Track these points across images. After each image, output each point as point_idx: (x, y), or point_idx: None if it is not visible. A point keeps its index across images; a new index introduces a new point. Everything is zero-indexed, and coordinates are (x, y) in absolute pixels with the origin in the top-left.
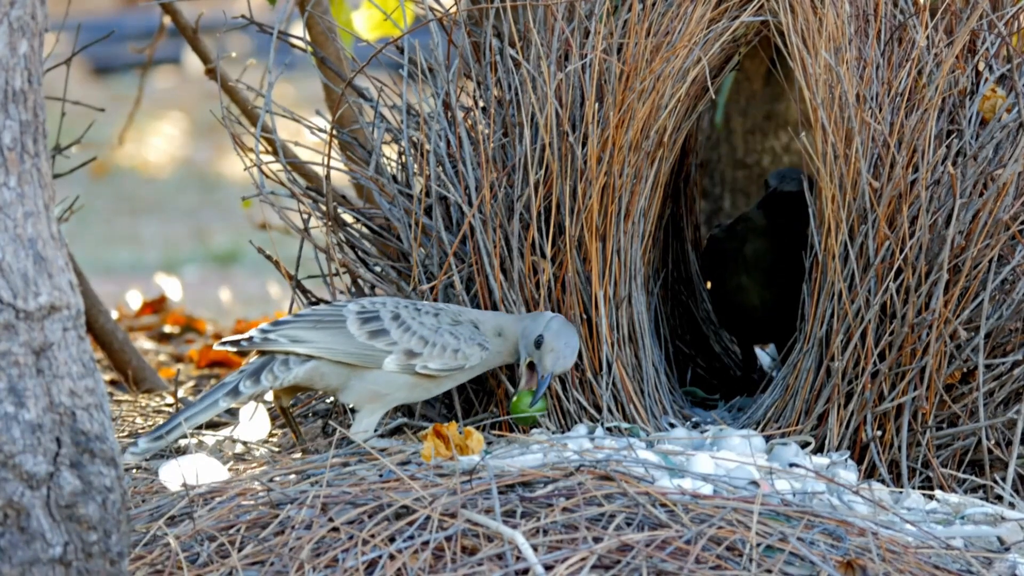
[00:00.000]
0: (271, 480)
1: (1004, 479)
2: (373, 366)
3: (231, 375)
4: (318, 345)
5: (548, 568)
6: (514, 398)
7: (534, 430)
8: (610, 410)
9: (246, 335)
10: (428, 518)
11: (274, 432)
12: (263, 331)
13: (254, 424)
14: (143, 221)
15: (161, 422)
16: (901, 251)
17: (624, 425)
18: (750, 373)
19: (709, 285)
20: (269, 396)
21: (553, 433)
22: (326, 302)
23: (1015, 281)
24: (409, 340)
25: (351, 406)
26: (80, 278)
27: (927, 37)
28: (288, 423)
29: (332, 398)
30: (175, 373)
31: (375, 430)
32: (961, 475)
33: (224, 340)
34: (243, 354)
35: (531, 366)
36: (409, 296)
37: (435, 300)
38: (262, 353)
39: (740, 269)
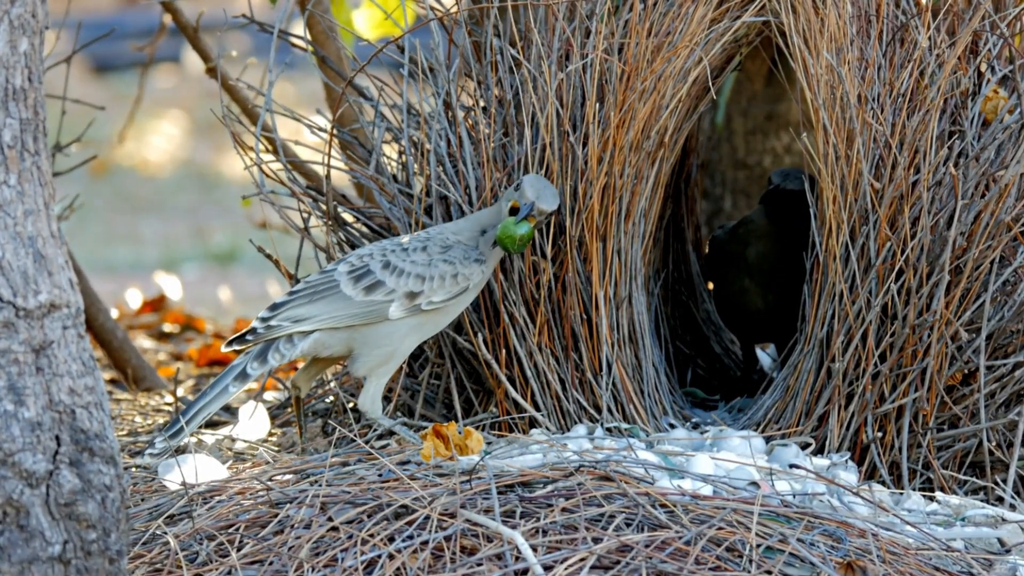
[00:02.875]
0: (271, 479)
1: (1005, 481)
2: (379, 319)
3: (238, 358)
4: (321, 317)
5: (547, 568)
6: (499, 227)
7: (533, 430)
8: (610, 410)
9: (248, 329)
10: (427, 518)
11: (273, 431)
12: (264, 320)
13: (254, 423)
14: (143, 219)
15: (166, 421)
16: (902, 252)
17: (624, 426)
18: (750, 373)
19: (711, 286)
20: (269, 396)
21: (553, 433)
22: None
23: (1016, 283)
24: (407, 282)
25: (363, 375)
26: (79, 276)
27: (929, 38)
28: (297, 416)
29: (331, 398)
30: (174, 372)
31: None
32: (962, 477)
33: (230, 340)
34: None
35: (512, 211)
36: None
37: None
38: None
39: (742, 272)
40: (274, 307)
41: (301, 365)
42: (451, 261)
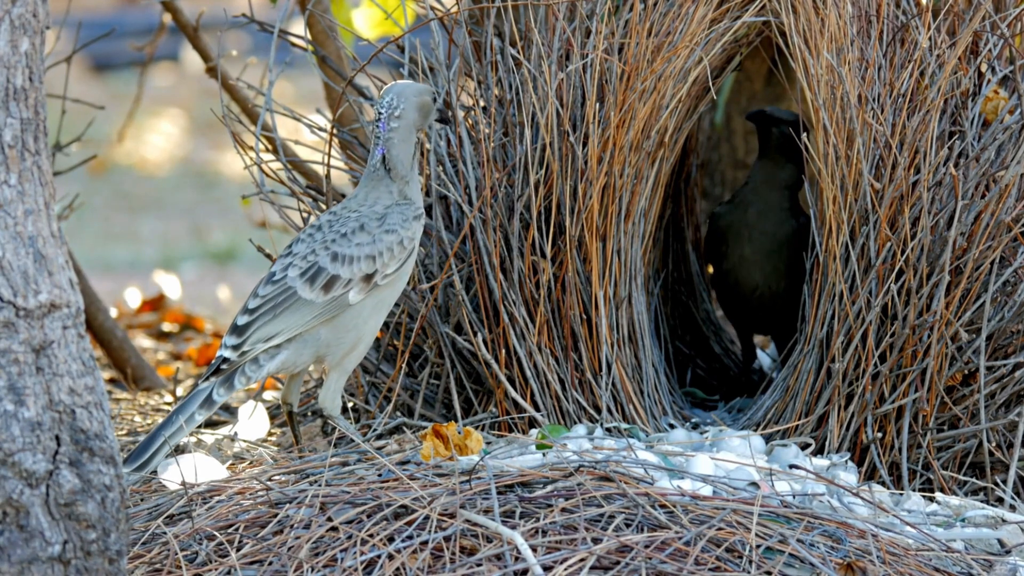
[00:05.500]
0: (270, 479)
1: (1005, 481)
2: (342, 309)
3: (202, 384)
4: (290, 328)
5: (547, 569)
6: (541, 430)
7: (533, 430)
8: (610, 411)
9: (219, 359)
10: (427, 518)
11: (273, 431)
12: (236, 348)
13: (253, 423)
14: (141, 218)
15: (143, 440)
16: (902, 252)
17: (623, 426)
18: (749, 367)
19: (711, 270)
20: (269, 396)
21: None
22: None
23: (1017, 283)
24: (360, 267)
25: (332, 367)
26: (79, 276)
27: (929, 38)
28: (292, 429)
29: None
30: (174, 371)
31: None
32: (962, 477)
33: (206, 376)
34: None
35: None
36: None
37: (434, 299)
38: None
39: (742, 241)
40: (238, 331)
41: (285, 382)
42: (392, 229)
